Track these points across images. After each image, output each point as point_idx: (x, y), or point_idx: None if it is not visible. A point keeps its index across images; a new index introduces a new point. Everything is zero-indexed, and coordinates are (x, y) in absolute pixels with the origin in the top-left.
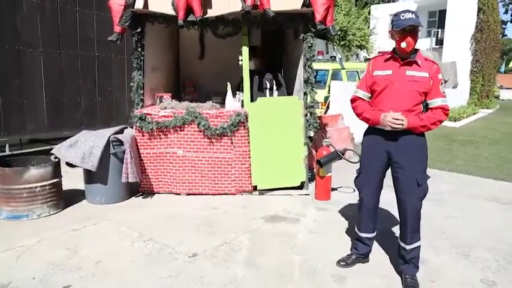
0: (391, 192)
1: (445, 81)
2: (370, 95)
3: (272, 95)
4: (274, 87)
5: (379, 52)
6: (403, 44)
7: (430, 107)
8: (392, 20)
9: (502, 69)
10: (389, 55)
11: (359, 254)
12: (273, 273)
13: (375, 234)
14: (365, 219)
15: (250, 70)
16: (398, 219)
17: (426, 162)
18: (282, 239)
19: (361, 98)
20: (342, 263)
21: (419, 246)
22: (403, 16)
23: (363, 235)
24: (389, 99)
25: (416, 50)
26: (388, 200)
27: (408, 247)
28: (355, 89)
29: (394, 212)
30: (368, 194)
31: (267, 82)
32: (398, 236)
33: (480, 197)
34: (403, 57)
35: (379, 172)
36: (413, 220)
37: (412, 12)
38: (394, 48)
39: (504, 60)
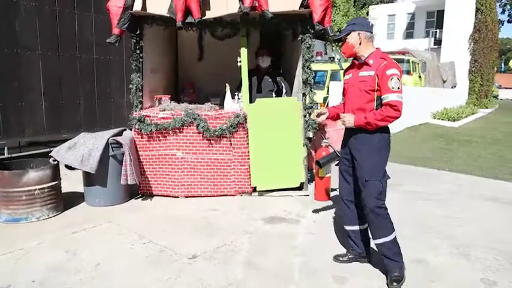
0: (389, 191)
1: (444, 81)
2: None
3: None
4: (284, 91)
5: None
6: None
7: (382, 103)
8: None
9: (503, 68)
10: (353, 61)
11: (352, 251)
12: (273, 274)
13: (358, 228)
14: (346, 213)
15: (251, 70)
16: (403, 220)
17: (381, 160)
18: (282, 240)
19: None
20: (340, 258)
21: (389, 241)
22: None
23: (348, 228)
24: (347, 101)
25: (374, 50)
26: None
27: (375, 241)
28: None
29: (394, 212)
30: (344, 187)
31: (274, 84)
32: (397, 235)
33: (480, 197)
34: (358, 60)
35: (350, 167)
36: (370, 216)
37: (351, 21)
38: None
39: (503, 59)
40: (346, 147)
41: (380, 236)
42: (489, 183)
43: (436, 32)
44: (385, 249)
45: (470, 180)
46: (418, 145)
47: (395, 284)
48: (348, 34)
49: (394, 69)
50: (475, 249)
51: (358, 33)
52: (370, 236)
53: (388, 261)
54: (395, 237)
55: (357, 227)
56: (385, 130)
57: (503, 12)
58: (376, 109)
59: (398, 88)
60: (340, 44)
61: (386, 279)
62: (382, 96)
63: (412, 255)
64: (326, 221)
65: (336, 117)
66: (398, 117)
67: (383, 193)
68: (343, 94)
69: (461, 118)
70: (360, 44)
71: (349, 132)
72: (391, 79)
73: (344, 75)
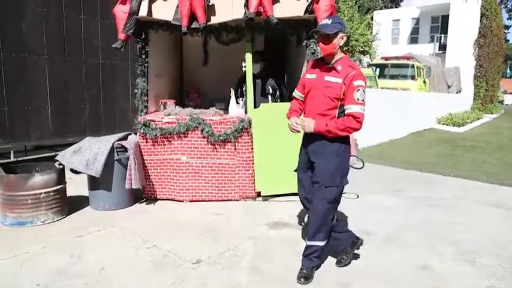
0: (392, 196)
1: (449, 86)
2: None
3: (276, 101)
4: (277, 93)
5: (382, 58)
6: (319, 48)
7: (345, 113)
8: None
9: (508, 73)
10: (318, 60)
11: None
12: (278, 279)
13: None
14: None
15: (252, 74)
16: (408, 226)
17: (340, 166)
18: (286, 245)
19: (295, 98)
20: (343, 261)
21: (321, 246)
22: (320, 21)
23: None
24: (309, 103)
25: (344, 56)
26: (390, 206)
27: (308, 243)
28: (295, 90)
29: (399, 218)
30: (303, 193)
31: (269, 88)
32: (402, 241)
33: (485, 203)
34: (326, 62)
35: (307, 169)
36: (316, 219)
37: (329, 19)
38: None
39: (508, 64)
40: (305, 152)
41: (318, 239)
42: (494, 189)
43: (440, 37)
44: (313, 251)
45: (475, 186)
46: (422, 150)
47: (303, 280)
48: (337, 33)
49: (361, 80)
50: (480, 256)
51: (343, 36)
52: (307, 235)
53: (307, 260)
54: (325, 243)
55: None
56: (345, 140)
57: (509, 18)
58: (338, 117)
59: (363, 100)
60: (322, 38)
61: (298, 272)
62: (345, 106)
63: (417, 261)
64: None
65: None
66: (358, 129)
67: (336, 199)
68: (305, 94)
69: (467, 123)
70: (340, 47)
71: (309, 137)
72: (358, 90)
73: (306, 72)
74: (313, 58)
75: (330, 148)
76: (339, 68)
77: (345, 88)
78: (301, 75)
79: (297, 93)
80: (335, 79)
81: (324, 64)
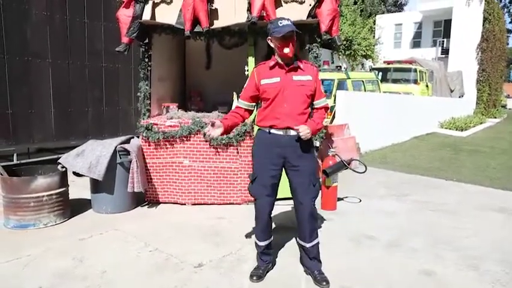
0: (394, 200)
1: (452, 91)
2: (253, 104)
3: None
4: None
5: (384, 62)
6: (286, 50)
7: (315, 107)
8: (269, 28)
9: (511, 77)
10: (273, 63)
11: (266, 263)
12: (280, 284)
13: (271, 239)
14: (264, 229)
15: None
16: (411, 230)
17: (316, 164)
18: (288, 250)
19: (239, 107)
20: (255, 278)
21: (318, 242)
22: (280, 23)
23: (265, 243)
24: (282, 106)
25: (296, 55)
26: (392, 210)
27: (308, 245)
28: (239, 100)
29: (402, 222)
30: (265, 201)
31: None
32: (405, 246)
33: (488, 208)
34: (287, 63)
35: (276, 178)
36: (311, 219)
37: (288, 19)
38: (275, 55)
39: (511, 69)
40: (279, 156)
41: (315, 237)
42: (497, 193)
43: (443, 41)
44: (316, 250)
45: (478, 190)
46: (425, 155)
47: (324, 284)
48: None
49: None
50: (483, 261)
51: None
52: (304, 239)
53: (315, 261)
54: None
55: (271, 239)
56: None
57: None
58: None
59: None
60: (290, 39)
61: (312, 277)
62: (317, 101)
63: (419, 266)
64: (333, 230)
65: (230, 131)
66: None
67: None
68: (269, 99)
69: (469, 128)
70: None
71: (288, 141)
72: (321, 85)
73: (259, 79)
74: (259, 64)
75: (310, 146)
76: (302, 66)
77: (316, 84)
78: (248, 85)
79: (244, 103)
80: (305, 77)
81: (283, 65)
